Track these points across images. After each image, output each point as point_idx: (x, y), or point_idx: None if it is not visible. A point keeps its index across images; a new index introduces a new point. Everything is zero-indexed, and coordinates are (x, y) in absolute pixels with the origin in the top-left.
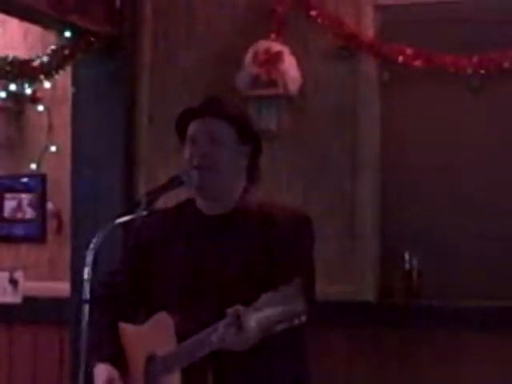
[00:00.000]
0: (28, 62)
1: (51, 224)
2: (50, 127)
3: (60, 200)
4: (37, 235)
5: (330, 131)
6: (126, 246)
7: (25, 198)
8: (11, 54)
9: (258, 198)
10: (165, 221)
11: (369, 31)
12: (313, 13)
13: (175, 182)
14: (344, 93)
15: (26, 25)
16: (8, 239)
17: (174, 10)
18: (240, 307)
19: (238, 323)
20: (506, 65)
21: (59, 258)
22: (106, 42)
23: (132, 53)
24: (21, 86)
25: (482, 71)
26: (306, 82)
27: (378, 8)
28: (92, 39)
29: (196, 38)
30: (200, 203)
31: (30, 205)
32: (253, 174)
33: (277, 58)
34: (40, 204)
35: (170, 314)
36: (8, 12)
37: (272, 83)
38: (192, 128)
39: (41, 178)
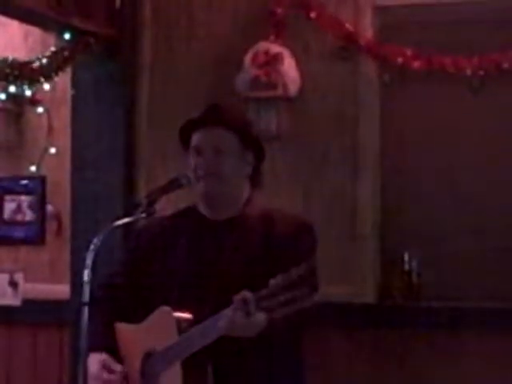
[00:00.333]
0: (28, 63)
1: (51, 226)
2: (50, 129)
3: (60, 202)
4: (36, 237)
5: (330, 133)
6: (127, 248)
7: (24, 200)
8: (11, 56)
9: (262, 204)
10: (166, 224)
11: (368, 32)
12: (312, 14)
13: (174, 184)
14: (344, 94)
15: (27, 27)
16: (8, 241)
17: (173, 11)
18: (247, 293)
19: (246, 309)
20: (506, 65)
21: (59, 260)
22: (106, 43)
23: (132, 54)
24: (20, 88)
25: (482, 72)
26: (305, 84)
27: (378, 9)
28: (92, 41)
29: (196, 39)
30: (204, 209)
31: (30, 207)
32: (256, 179)
33: (276, 59)
34: (40, 206)
35: (171, 310)
36: (8, 14)
37: (271, 85)
38: (196, 138)
39: (40, 180)
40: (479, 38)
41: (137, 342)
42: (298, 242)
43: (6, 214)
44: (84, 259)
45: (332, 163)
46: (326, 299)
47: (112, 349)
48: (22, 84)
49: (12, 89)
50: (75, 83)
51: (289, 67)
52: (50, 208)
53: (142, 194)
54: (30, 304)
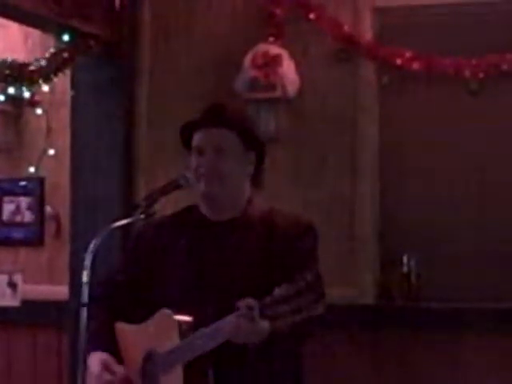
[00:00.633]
0: (27, 65)
1: (50, 227)
2: (49, 130)
3: (58, 203)
4: (35, 238)
5: (329, 134)
6: (127, 247)
7: (23, 201)
8: (10, 58)
9: (264, 204)
10: (167, 223)
11: (367, 34)
12: (311, 16)
13: (173, 185)
14: (343, 96)
15: (26, 28)
16: (7, 242)
17: (172, 13)
18: (251, 300)
19: (251, 315)
20: (505, 67)
21: (58, 261)
22: (106, 45)
23: (131, 56)
24: (19, 90)
25: (481, 74)
26: (304, 85)
27: (377, 11)
28: (91, 43)
29: (195, 41)
30: (205, 209)
31: (29, 208)
32: (258, 179)
33: (275, 61)
34: (38, 207)
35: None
36: (7, 16)
37: (271, 86)
38: (197, 138)
39: (39, 182)
40: (478, 39)
41: (137, 343)
42: (300, 243)
43: (5, 216)
44: (83, 260)
45: (331, 164)
46: (326, 300)
47: (113, 348)
48: (21, 85)
49: (11, 90)
50: (75, 85)
51: (288, 69)
52: (48, 209)
53: (141, 196)
54: (28, 305)
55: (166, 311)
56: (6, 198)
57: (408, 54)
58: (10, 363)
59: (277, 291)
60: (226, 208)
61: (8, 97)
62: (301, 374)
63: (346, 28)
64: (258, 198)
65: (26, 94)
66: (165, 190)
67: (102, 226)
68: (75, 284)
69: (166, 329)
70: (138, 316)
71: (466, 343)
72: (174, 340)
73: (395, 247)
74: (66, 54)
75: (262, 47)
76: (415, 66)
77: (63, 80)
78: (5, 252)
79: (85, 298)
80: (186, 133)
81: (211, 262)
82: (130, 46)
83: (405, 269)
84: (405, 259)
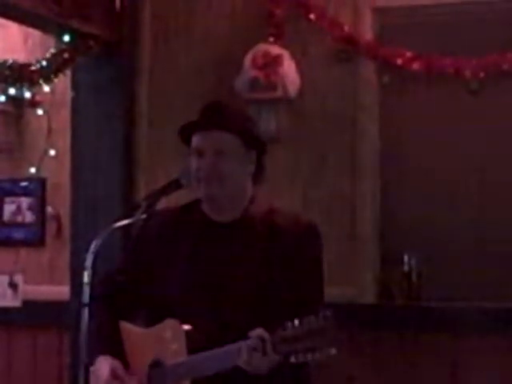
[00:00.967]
0: (27, 65)
1: (51, 228)
2: (50, 131)
3: (59, 204)
4: (36, 239)
5: (330, 134)
6: (128, 246)
7: (24, 201)
8: (11, 58)
9: (266, 204)
10: (169, 223)
11: (367, 34)
12: (311, 16)
13: (174, 185)
14: (343, 96)
15: (26, 29)
16: (7, 243)
17: (173, 13)
18: (264, 333)
19: (263, 349)
20: (505, 67)
21: (59, 262)
22: (106, 45)
23: (131, 56)
24: (20, 90)
25: (481, 74)
26: (305, 85)
27: (377, 11)
28: (91, 43)
29: (195, 41)
30: (207, 208)
31: (30, 208)
32: (259, 176)
33: (276, 61)
34: (39, 208)
35: (180, 323)
36: (8, 16)
37: (271, 86)
38: (197, 140)
39: (40, 182)
40: (478, 39)
41: (144, 348)
42: (306, 248)
43: (6, 216)
44: (84, 261)
45: (331, 164)
46: (326, 300)
47: (119, 350)
48: (22, 86)
49: (12, 91)
50: (75, 85)
51: (288, 69)
52: (49, 210)
53: (141, 196)
54: (29, 305)
55: (174, 321)
56: (6, 199)
57: (408, 54)
58: (11, 363)
59: (289, 326)
60: (228, 208)
61: (9, 97)
62: (302, 373)
63: (346, 28)
64: (259, 197)
65: (27, 95)
66: (165, 191)
67: (102, 226)
68: (76, 284)
69: (173, 339)
70: (140, 316)
71: (466, 342)
72: (182, 352)
73: (396, 246)
74: (66, 55)
75: (262, 47)
76: (415, 65)
77: (63, 80)
78: (6, 252)
79: (86, 298)
80: (186, 134)
81: (213, 263)
82: (130, 46)
83: (405, 268)
84: (405, 258)
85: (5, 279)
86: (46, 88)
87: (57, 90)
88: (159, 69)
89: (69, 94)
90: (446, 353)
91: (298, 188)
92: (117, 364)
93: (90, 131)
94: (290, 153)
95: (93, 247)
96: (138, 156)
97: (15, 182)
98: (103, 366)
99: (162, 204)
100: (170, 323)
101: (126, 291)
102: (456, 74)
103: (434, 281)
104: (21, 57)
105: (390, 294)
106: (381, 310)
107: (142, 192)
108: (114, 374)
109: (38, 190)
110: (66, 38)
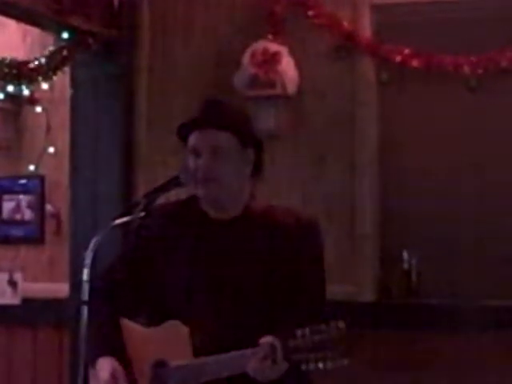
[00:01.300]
0: (26, 63)
1: (50, 225)
2: (48, 128)
3: (59, 201)
4: (35, 236)
5: (329, 131)
6: (127, 245)
7: (23, 199)
8: (9, 56)
9: (265, 201)
10: (167, 220)
11: (366, 31)
12: (310, 13)
13: (173, 183)
14: (342, 93)
15: (25, 26)
16: (7, 240)
17: (171, 10)
18: (275, 340)
19: (274, 357)
20: (504, 64)
21: (58, 259)
22: (105, 43)
23: (130, 54)
24: (19, 88)
25: (480, 71)
26: (303, 82)
27: (376, 8)
28: (90, 41)
29: (194, 38)
30: (206, 206)
31: (29, 206)
32: (258, 173)
33: (275, 58)
34: (39, 205)
35: (183, 324)
36: (6, 14)
37: (270, 83)
38: (194, 139)
39: (39, 180)
40: (478, 36)
41: (146, 348)
42: (307, 245)
43: (5, 214)
44: (83, 258)
45: (330, 162)
46: (326, 298)
47: (121, 349)
48: (21, 83)
49: (10, 88)
50: (74, 83)
51: (287, 66)
52: (49, 207)
53: (140, 193)
54: (29, 303)
55: (177, 322)
56: (5, 196)
57: (407, 51)
58: (11, 361)
59: (300, 334)
60: (228, 207)
61: (7, 95)
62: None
63: (345, 25)
64: (258, 195)
65: (26, 92)
66: (165, 188)
67: (102, 224)
68: (75, 282)
69: (177, 339)
70: (141, 313)
71: (466, 340)
72: (186, 353)
73: (395, 244)
74: (65, 52)
75: (261, 44)
76: (414, 62)
77: (62, 78)
78: (5, 250)
79: (85, 295)
80: (183, 132)
81: (214, 262)
82: (129, 43)
83: (405, 266)
84: (405, 256)
85: (4, 277)
86: (45, 85)
87: (56, 87)
88: (158, 66)
89: (68, 92)
90: (446, 350)
91: (297, 185)
92: (118, 367)
93: (88, 129)
94: (289, 150)
95: (92, 245)
96: (137, 153)
97: (14, 179)
98: (104, 367)
99: (162, 202)
100: (173, 323)
101: (125, 290)
102: (455, 71)
103: (434, 279)
104: (19, 54)
105: (389, 292)
106: (380, 308)
107: (141, 190)
108: (114, 377)
109: (37, 187)
110: (65, 36)
